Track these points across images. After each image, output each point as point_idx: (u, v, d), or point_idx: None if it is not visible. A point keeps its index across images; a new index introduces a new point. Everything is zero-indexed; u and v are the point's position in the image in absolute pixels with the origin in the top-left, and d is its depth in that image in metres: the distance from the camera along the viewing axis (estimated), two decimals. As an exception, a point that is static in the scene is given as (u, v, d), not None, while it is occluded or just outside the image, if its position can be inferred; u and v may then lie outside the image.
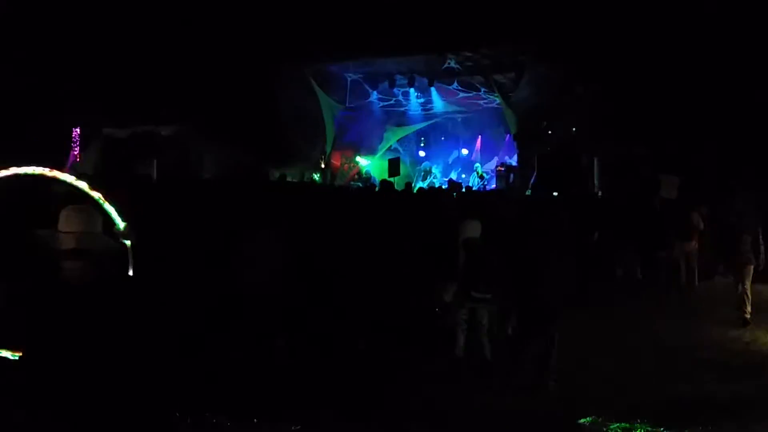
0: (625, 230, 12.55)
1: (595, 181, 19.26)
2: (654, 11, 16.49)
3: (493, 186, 22.52)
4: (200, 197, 10.54)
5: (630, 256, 12.84)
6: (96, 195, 3.54)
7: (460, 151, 26.62)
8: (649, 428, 6.01)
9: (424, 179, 25.07)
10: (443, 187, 18.81)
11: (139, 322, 3.20)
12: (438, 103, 24.47)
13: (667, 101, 16.48)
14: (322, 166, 23.55)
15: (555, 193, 16.83)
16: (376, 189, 15.23)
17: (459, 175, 25.33)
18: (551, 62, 18.47)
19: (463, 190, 18.28)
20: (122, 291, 3.30)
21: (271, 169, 19.54)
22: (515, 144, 21.87)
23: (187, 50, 18.36)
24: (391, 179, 17.26)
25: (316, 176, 22.61)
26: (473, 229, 8.09)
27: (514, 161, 22.58)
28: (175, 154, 19.15)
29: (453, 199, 13.94)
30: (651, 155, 17.40)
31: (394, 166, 21.16)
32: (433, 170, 25.54)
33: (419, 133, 27.10)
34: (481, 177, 23.36)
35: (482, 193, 18.69)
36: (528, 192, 18.91)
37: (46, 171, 3.63)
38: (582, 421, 6.20)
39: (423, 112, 25.57)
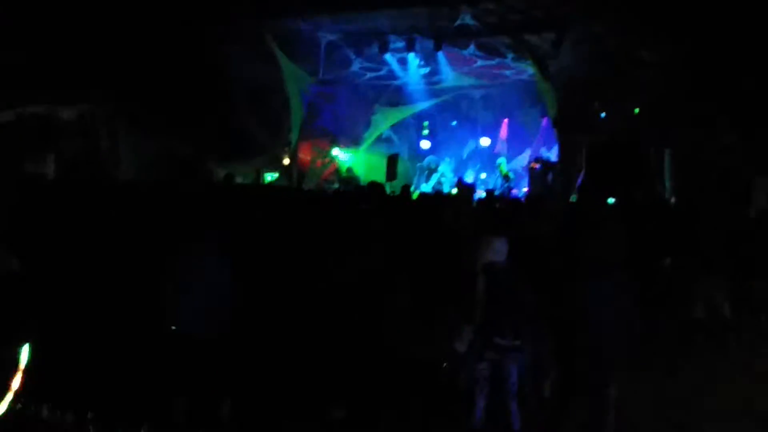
0: (709, 252, 12.42)
1: (666, 184, 19.46)
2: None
3: (524, 190, 22.72)
4: (115, 206, 10.63)
5: (716, 289, 12.69)
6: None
7: (478, 141, 26.82)
8: None
9: (427, 180, 25.24)
10: (454, 191, 18.87)
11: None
12: (448, 75, 24.48)
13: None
14: (286, 161, 23.73)
15: (611, 200, 16.83)
16: (361, 192, 15.26)
17: (477, 174, 25.59)
18: (606, 17, 18.61)
19: (482, 195, 18.36)
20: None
21: (214, 165, 20.32)
22: (555, 131, 21.94)
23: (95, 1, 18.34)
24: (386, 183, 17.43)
25: (276, 176, 22.95)
26: (497, 251, 8.12)
27: (553, 155, 22.72)
28: (80, 145, 19.50)
29: (469, 207, 14.24)
30: (744, 147, 17.56)
31: (392, 166, 21.35)
32: (441, 167, 25.62)
33: (421, 117, 27.32)
34: (506, 177, 23.63)
35: (509, 201, 18.24)
36: (573, 198, 19.08)
37: None
38: None
39: (427, 87, 25.63)
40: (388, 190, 18.06)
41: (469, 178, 24.44)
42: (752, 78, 16.97)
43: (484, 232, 8.59)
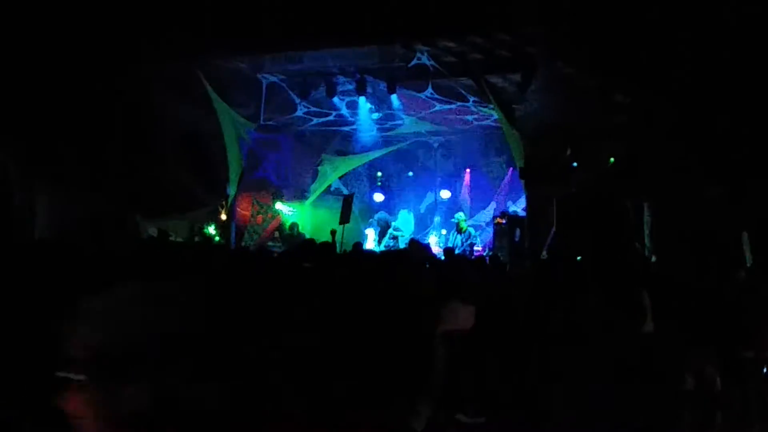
0: (696, 318, 12.13)
1: (646, 241, 19.52)
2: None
3: (487, 246, 23.06)
4: (28, 269, 10.15)
5: (705, 358, 12.33)
6: None
7: (437, 194, 27.05)
8: None
9: (380, 239, 25.36)
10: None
11: None
12: (403, 120, 24.61)
13: (759, 115, 16.81)
14: (223, 216, 23.64)
15: (579, 258, 16.62)
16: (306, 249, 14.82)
17: (437, 229, 25.71)
18: (578, 56, 18.62)
19: (441, 254, 18.34)
20: None
21: (143, 221, 20.26)
22: (522, 183, 21.96)
23: (12, 39, 18.39)
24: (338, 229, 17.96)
25: (212, 231, 22.84)
26: (461, 318, 8.13)
27: (520, 209, 22.87)
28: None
29: (428, 269, 14.02)
30: (729, 201, 17.65)
31: (346, 208, 21.34)
32: (396, 223, 25.75)
33: (374, 166, 27.55)
34: (461, 231, 23.60)
35: (471, 261, 18.08)
36: (543, 256, 19.06)
37: None
38: None
39: (380, 134, 25.80)
40: (338, 241, 18.31)
41: (432, 238, 24.59)
42: (738, 125, 17.20)
43: (445, 296, 8.61)
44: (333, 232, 19.67)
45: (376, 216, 26.24)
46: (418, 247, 18.36)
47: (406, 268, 12.52)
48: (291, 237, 24.13)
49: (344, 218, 20.72)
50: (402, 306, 9.37)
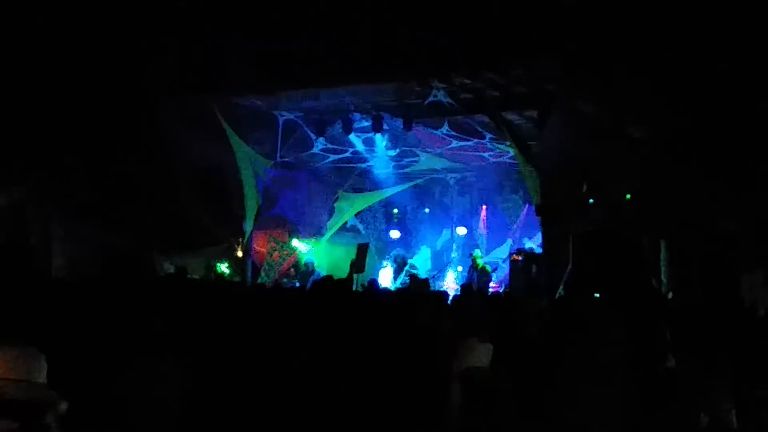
0: (713, 355, 12.07)
1: (662, 277, 19.54)
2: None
3: (503, 283, 23.22)
4: (46, 306, 10.39)
5: (721, 396, 12.34)
6: None
7: (454, 230, 27.13)
8: None
9: (396, 275, 25.46)
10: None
11: None
12: (419, 157, 24.74)
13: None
14: (239, 253, 23.75)
15: (597, 295, 16.54)
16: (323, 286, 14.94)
17: (453, 266, 25.71)
18: (596, 93, 18.79)
19: (457, 291, 18.48)
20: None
21: (159, 258, 20.48)
22: (538, 219, 21.99)
23: (27, 72, 18.64)
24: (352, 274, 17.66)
25: (225, 269, 23.00)
26: (479, 356, 7.90)
27: (536, 246, 22.90)
28: (6, 234, 19.55)
29: (445, 305, 13.97)
30: (745, 236, 17.74)
31: (361, 257, 21.26)
32: (412, 260, 25.88)
33: (391, 203, 27.73)
34: (477, 268, 23.75)
35: (488, 297, 18.54)
36: (560, 292, 19.11)
37: None
38: None
39: (396, 171, 25.89)
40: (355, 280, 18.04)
41: (450, 275, 24.64)
42: (759, 161, 17.25)
43: (461, 333, 8.41)
44: (352, 264, 19.70)
45: (393, 252, 26.33)
46: (416, 281, 19.71)
47: (422, 305, 12.69)
48: (306, 273, 24.20)
49: (359, 267, 20.53)
50: (417, 343, 9.39)
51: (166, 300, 11.96)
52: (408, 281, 24.11)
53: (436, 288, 22.74)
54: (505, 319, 11.55)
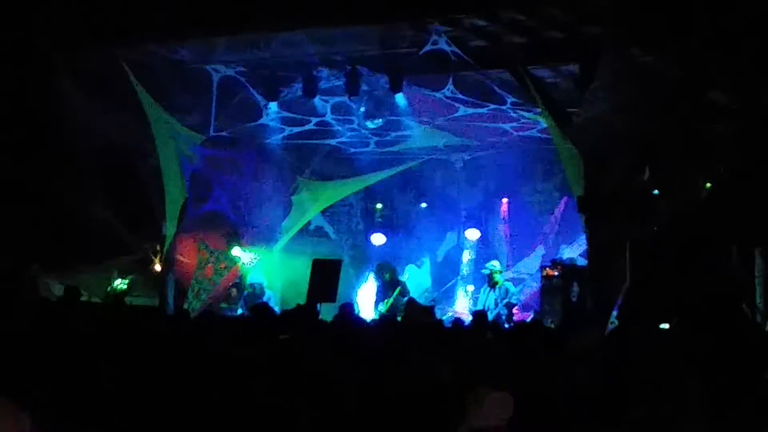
0: None
1: (757, 299, 17.96)
2: None
3: (531, 308, 21.88)
4: None
5: None
6: None
7: (462, 233, 25.25)
8: None
9: (383, 295, 23.47)
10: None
11: None
12: (412, 130, 23.00)
13: None
14: (157, 266, 21.93)
15: (666, 326, 15.33)
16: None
17: (462, 284, 24.54)
18: (660, 40, 17.08)
19: (468, 321, 17.30)
20: None
21: (44, 276, 18.90)
22: (581, 218, 20.20)
23: None
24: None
25: (122, 286, 21.31)
26: (495, 411, 6.82)
27: (579, 256, 21.48)
28: None
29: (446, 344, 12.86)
30: None
31: (330, 279, 19.60)
32: (403, 277, 23.88)
33: (372, 195, 25.99)
34: (494, 287, 21.69)
35: (511, 331, 17.09)
36: (613, 323, 17.18)
37: None
38: None
39: (379, 150, 24.28)
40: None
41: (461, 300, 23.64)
42: None
43: (469, 381, 7.60)
44: (314, 288, 18.39)
45: (378, 263, 24.21)
46: (415, 310, 18.27)
47: (415, 344, 11.79)
48: (253, 296, 22.23)
49: (325, 294, 19.06)
50: (411, 399, 8.76)
51: (45, 339, 10.94)
52: (402, 305, 21.97)
53: (442, 317, 20.26)
54: (533, 360, 10.82)
